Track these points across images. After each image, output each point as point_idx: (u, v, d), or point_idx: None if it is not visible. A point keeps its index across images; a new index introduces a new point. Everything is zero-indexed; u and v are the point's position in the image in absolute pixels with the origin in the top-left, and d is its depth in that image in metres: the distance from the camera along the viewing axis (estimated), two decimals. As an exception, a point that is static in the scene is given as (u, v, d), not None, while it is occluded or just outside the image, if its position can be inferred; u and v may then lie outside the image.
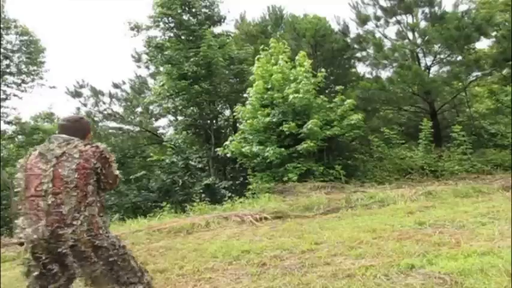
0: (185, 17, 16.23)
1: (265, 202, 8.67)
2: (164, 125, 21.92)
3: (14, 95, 18.05)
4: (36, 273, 2.15)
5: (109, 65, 42.52)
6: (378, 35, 15.49)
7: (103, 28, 46.92)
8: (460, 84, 14.99)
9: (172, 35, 16.55)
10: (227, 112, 18.62)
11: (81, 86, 21.13)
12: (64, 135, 2.25)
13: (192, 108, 16.50)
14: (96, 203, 2.19)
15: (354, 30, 16.09)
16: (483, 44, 16.65)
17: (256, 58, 12.97)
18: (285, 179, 10.81)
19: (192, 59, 14.98)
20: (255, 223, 6.54)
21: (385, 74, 16.06)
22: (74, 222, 2.08)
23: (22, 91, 18.22)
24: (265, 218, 6.78)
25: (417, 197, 7.45)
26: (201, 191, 13.57)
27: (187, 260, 4.33)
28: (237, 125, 15.17)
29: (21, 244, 2.19)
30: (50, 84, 22.99)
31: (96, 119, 21.29)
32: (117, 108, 21.80)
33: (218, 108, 18.00)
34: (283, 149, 11.34)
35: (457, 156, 12.09)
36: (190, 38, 16.06)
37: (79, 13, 43.36)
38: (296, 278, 3.24)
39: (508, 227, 4.27)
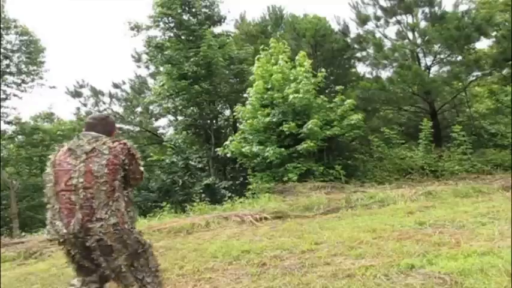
0: (185, 17, 16.23)
1: (265, 202, 8.67)
2: (164, 125, 21.99)
3: (14, 95, 18.05)
4: (74, 266, 2.28)
5: (109, 65, 42.55)
6: (378, 35, 15.52)
7: (103, 28, 46.93)
8: (460, 84, 14.99)
9: (172, 35, 16.56)
10: (227, 112, 18.63)
11: (81, 86, 21.18)
12: (92, 133, 2.32)
13: (192, 108, 16.50)
14: (123, 198, 2.25)
15: (354, 30, 16.12)
16: (483, 44, 16.69)
17: (256, 58, 12.97)
18: (285, 179, 10.81)
19: (192, 59, 14.98)
20: (255, 223, 6.54)
21: (385, 74, 16.10)
22: (103, 216, 2.14)
23: (22, 91, 18.22)
24: (265, 218, 6.78)
25: (417, 197, 7.45)
26: (201, 191, 13.57)
27: (187, 260, 4.33)
28: (237, 125, 15.17)
29: (51, 240, 2.28)
30: (50, 84, 23.02)
31: (96, 119, 21.29)
32: (117, 108, 21.86)
33: (218, 108, 18.00)
34: (283, 149, 11.34)
35: (457, 156, 12.09)
36: (190, 38, 16.06)
37: (79, 13, 43.42)
38: (296, 278, 3.24)
39: (508, 227, 4.27)
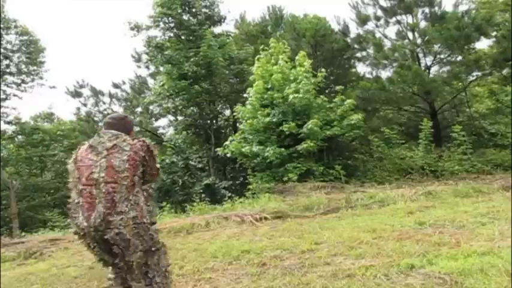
0: (185, 17, 16.23)
1: (265, 202, 8.67)
2: (164, 125, 22.01)
3: (14, 95, 18.06)
4: (97, 257, 2.36)
5: (109, 65, 42.55)
6: (378, 35, 15.51)
7: (103, 28, 46.93)
8: (460, 84, 14.99)
9: (172, 35, 16.56)
10: (227, 112, 18.63)
11: (81, 86, 21.19)
12: (112, 131, 2.41)
13: (192, 108, 16.51)
14: (142, 193, 2.34)
15: (354, 30, 16.11)
16: (483, 44, 16.68)
17: (256, 58, 12.97)
18: (285, 179, 10.82)
19: (192, 59, 14.99)
20: (255, 223, 6.54)
21: (385, 74, 16.09)
22: (123, 209, 2.22)
23: (22, 91, 18.23)
24: (265, 218, 6.78)
25: (417, 197, 7.44)
26: (201, 191, 13.57)
27: (187, 260, 4.33)
28: (237, 125, 15.18)
29: (76, 233, 2.34)
30: (50, 84, 23.05)
31: (96, 119, 21.33)
32: (117, 108, 21.86)
33: (218, 108, 18.01)
34: (283, 149, 11.34)
35: (457, 156, 12.09)
36: (190, 38, 16.06)
37: (79, 13, 43.43)
38: (296, 278, 3.24)
39: (508, 227, 4.27)
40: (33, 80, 18.45)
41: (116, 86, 22.22)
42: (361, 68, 22.00)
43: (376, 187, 9.88)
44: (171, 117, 19.47)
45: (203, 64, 15.07)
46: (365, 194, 8.23)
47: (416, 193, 7.65)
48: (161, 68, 16.56)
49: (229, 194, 12.33)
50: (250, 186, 11.23)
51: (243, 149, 11.76)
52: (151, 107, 19.49)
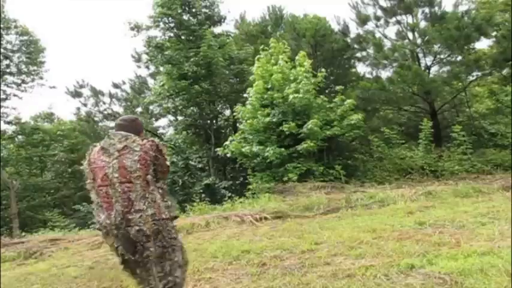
0: (185, 17, 16.23)
1: (265, 202, 8.68)
2: (164, 125, 22.00)
3: (14, 95, 18.05)
4: (120, 258, 2.41)
5: (109, 65, 42.57)
6: (378, 35, 15.51)
7: (103, 28, 46.94)
8: (460, 84, 14.99)
9: (172, 35, 16.56)
10: (227, 112, 18.63)
11: (81, 86, 21.17)
12: (122, 132, 2.48)
13: (192, 108, 16.50)
14: (157, 190, 2.41)
15: (354, 30, 16.11)
16: (483, 44, 16.66)
17: (256, 58, 12.97)
18: (285, 179, 10.81)
19: (192, 59, 14.98)
20: (255, 223, 6.54)
21: (385, 74, 16.09)
22: (141, 207, 2.30)
23: (22, 91, 18.22)
24: (265, 218, 6.78)
25: (417, 197, 7.45)
26: (201, 191, 13.57)
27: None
28: (237, 125, 15.17)
29: (100, 229, 2.43)
30: (50, 84, 23.07)
31: (96, 119, 21.33)
32: (117, 108, 21.85)
33: (218, 108, 18.00)
34: (283, 149, 11.34)
35: (457, 156, 12.09)
36: (190, 38, 16.06)
37: (79, 13, 43.44)
38: (296, 278, 3.24)
39: (508, 227, 4.27)
40: (33, 80, 18.46)
41: (116, 86, 22.23)
42: (361, 68, 22.02)
43: (376, 187, 9.89)
44: (171, 117, 19.48)
45: (203, 64, 15.07)
46: (365, 194, 8.24)
47: (416, 193, 7.65)
48: (161, 68, 16.56)
49: (229, 194, 12.33)
50: (250, 186, 11.23)
51: (243, 149, 11.75)
52: (151, 107, 19.49)
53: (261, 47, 13.16)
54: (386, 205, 7.19)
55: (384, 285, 2.88)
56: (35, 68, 18.44)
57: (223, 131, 17.99)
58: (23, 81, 18.19)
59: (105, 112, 21.21)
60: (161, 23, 16.26)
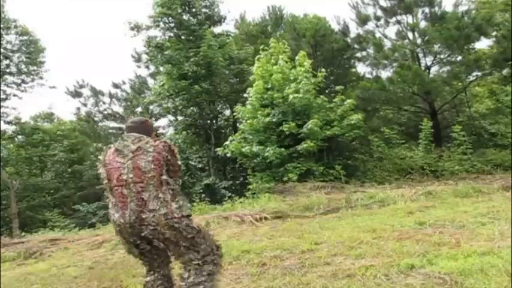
0: (185, 17, 16.24)
1: (265, 202, 8.67)
2: (164, 125, 21.98)
3: (14, 95, 18.03)
4: (136, 251, 2.53)
5: (109, 65, 42.56)
6: (378, 35, 15.53)
7: (103, 28, 46.92)
8: (460, 84, 15.00)
9: (172, 35, 16.56)
10: (227, 112, 18.63)
11: (81, 86, 21.22)
12: (135, 134, 2.55)
13: (192, 108, 16.50)
14: (169, 191, 2.45)
15: (354, 30, 16.13)
16: (483, 44, 16.66)
17: (256, 58, 12.97)
18: (285, 179, 10.81)
19: (192, 59, 14.98)
20: (255, 223, 6.54)
21: (385, 74, 16.10)
22: (154, 207, 2.37)
23: (22, 91, 18.21)
24: (265, 218, 6.78)
25: (417, 197, 7.44)
26: (201, 191, 13.58)
27: (187, 260, 4.32)
28: (237, 125, 15.18)
29: (115, 227, 2.53)
30: (50, 84, 23.02)
31: (96, 119, 21.36)
32: (117, 108, 21.90)
33: (218, 108, 18.01)
34: (283, 149, 11.34)
35: (457, 156, 12.10)
36: (190, 38, 16.06)
37: (79, 13, 43.43)
38: (296, 278, 3.23)
39: (508, 227, 4.27)
40: (33, 80, 18.45)
41: (116, 86, 22.27)
42: (361, 68, 22.04)
43: (376, 187, 9.88)
44: (171, 117, 19.48)
45: (203, 64, 15.07)
46: (365, 194, 8.23)
47: (416, 193, 7.65)
48: (161, 68, 16.57)
49: (229, 194, 12.33)
50: (250, 186, 11.23)
51: (243, 149, 11.75)
52: (151, 107, 19.49)
53: (261, 47, 13.16)
54: (386, 205, 7.18)
55: (383, 285, 2.88)
56: (35, 68, 18.44)
57: (223, 131, 17.99)
58: (23, 81, 18.19)
59: (105, 112, 21.26)
60: (161, 23, 16.27)
